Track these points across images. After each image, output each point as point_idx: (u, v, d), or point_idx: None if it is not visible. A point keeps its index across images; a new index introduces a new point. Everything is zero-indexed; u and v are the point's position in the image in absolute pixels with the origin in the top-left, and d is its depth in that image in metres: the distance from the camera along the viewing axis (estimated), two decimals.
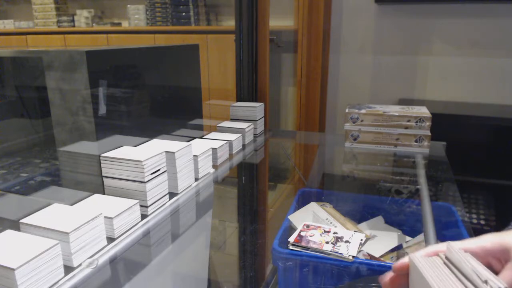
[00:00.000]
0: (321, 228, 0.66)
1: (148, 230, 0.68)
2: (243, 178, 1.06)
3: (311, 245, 0.61)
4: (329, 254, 0.59)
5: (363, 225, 0.86)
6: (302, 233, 0.64)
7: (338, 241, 0.62)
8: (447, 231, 0.72)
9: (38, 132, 1.07)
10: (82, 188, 0.74)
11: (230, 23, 2.80)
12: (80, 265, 0.55)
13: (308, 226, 0.67)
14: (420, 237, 0.74)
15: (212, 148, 0.95)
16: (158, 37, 2.73)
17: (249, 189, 1.03)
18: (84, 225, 0.55)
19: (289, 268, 0.62)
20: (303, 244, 0.61)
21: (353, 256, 0.58)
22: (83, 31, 3.02)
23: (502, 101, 1.94)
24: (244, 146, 1.14)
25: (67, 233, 0.53)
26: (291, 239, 0.63)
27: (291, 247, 0.61)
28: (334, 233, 0.65)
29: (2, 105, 1.00)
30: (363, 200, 0.92)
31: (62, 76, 0.69)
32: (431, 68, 2.04)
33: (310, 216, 0.79)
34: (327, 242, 0.62)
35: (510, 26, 1.86)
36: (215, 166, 0.96)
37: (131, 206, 0.66)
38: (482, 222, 1.60)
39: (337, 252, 0.59)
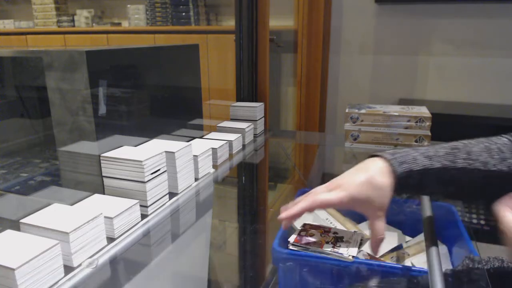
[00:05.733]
0: (321, 228, 0.66)
1: (148, 230, 0.68)
2: (243, 178, 1.06)
3: (311, 245, 0.61)
4: (329, 254, 0.59)
5: (363, 225, 0.85)
6: (302, 233, 0.64)
7: (338, 241, 0.62)
8: (447, 231, 0.72)
9: (38, 132, 1.07)
10: (82, 188, 0.74)
11: (230, 23, 2.80)
12: (80, 265, 0.55)
13: (308, 226, 0.67)
14: (420, 237, 0.74)
15: (212, 148, 0.95)
16: (158, 37, 2.73)
17: (249, 189, 1.03)
18: (84, 225, 0.55)
19: (289, 268, 0.62)
20: (303, 244, 0.61)
21: (353, 256, 0.58)
22: (83, 31, 3.02)
23: (502, 101, 1.94)
24: (244, 146, 1.14)
25: (67, 233, 0.53)
26: (291, 239, 0.63)
27: (291, 247, 0.61)
28: (334, 233, 0.64)
29: (2, 105, 1.00)
30: None
31: (62, 76, 0.69)
32: (431, 68, 2.04)
33: (310, 216, 0.78)
34: (327, 242, 0.61)
35: (510, 26, 1.86)
36: (215, 166, 0.96)
37: (131, 206, 0.66)
38: (482, 222, 1.60)
39: (337, 252, 0.59)
